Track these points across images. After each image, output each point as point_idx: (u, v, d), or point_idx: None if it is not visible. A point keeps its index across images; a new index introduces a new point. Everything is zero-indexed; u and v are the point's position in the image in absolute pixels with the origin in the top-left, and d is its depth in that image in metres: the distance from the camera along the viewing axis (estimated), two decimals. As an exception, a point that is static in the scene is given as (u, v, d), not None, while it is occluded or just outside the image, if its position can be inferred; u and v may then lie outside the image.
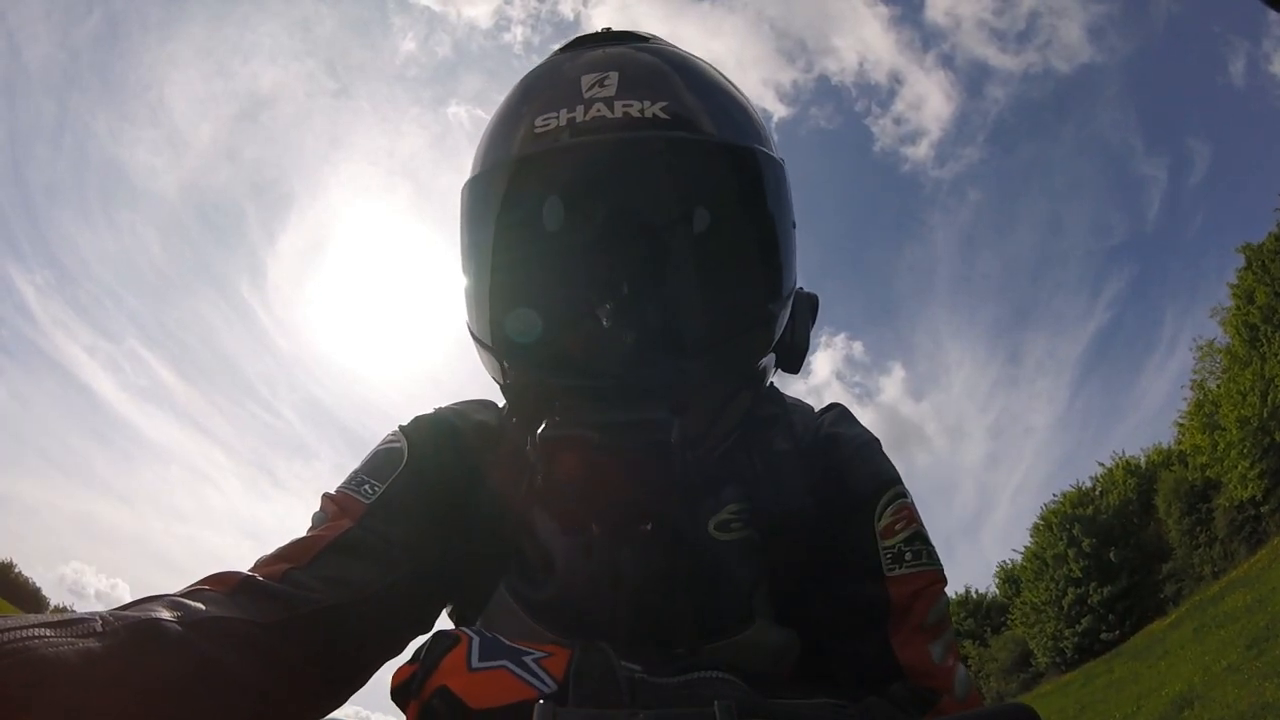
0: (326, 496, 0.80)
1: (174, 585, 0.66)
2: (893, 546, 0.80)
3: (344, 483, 0.81)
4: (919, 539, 0.82)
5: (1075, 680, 20.24)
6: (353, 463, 0.85)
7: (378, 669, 0.77)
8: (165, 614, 0.58)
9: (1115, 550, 25.66)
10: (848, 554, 0.81)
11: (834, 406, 0.94)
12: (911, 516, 0.83)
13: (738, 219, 0.76)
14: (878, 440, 0.90)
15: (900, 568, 0.79)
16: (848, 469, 0.85)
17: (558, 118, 0.70)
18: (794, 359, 0.82)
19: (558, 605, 0.80)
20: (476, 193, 0.76)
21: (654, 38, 0.82)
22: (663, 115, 0.70)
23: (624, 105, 0.70)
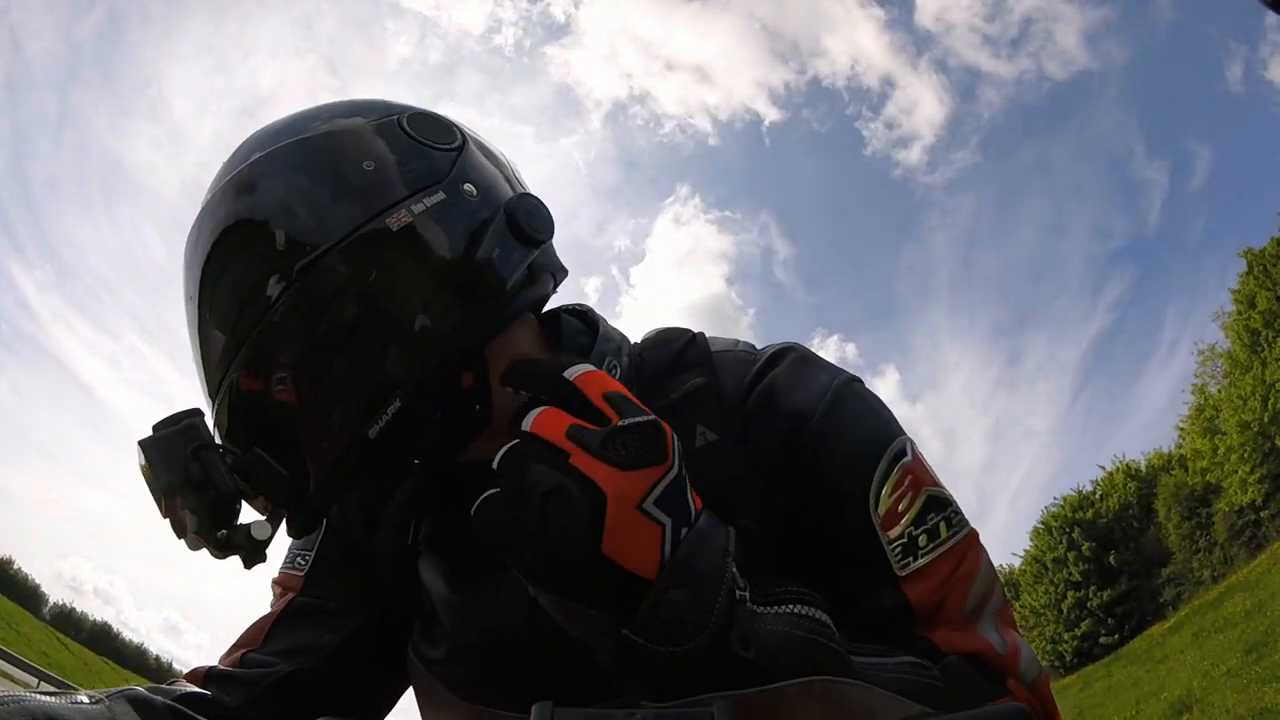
0: (272, 581, 0.86)
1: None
2: (901, 535, 0.65)
3: (282, 563, 0.86)
4: (934, 506, 0.67)
5: (1074, 684, 20.22)
6: None
7: (382, 716, 0.85)
8: (147, 692, 0.67)
9: (1115, 554, 25.63)
10: (847, 562, 0.66)
11: (786, 352, 0.75)
12: (919, 479, 0.68)
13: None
14: (852, 381, 0.73)
15: (916, 559, 0.65)
16: (821, 454, 0.68)
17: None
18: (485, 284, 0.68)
19: (450, 666, 0.74)
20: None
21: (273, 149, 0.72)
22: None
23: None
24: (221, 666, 0.78)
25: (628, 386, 0.64)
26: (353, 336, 0.65)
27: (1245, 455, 20.90)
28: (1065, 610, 25.83)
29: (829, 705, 0.54)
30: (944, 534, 0.66)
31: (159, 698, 0.67)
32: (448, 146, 0.72)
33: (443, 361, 0.66)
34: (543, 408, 0.56)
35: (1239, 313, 22.32)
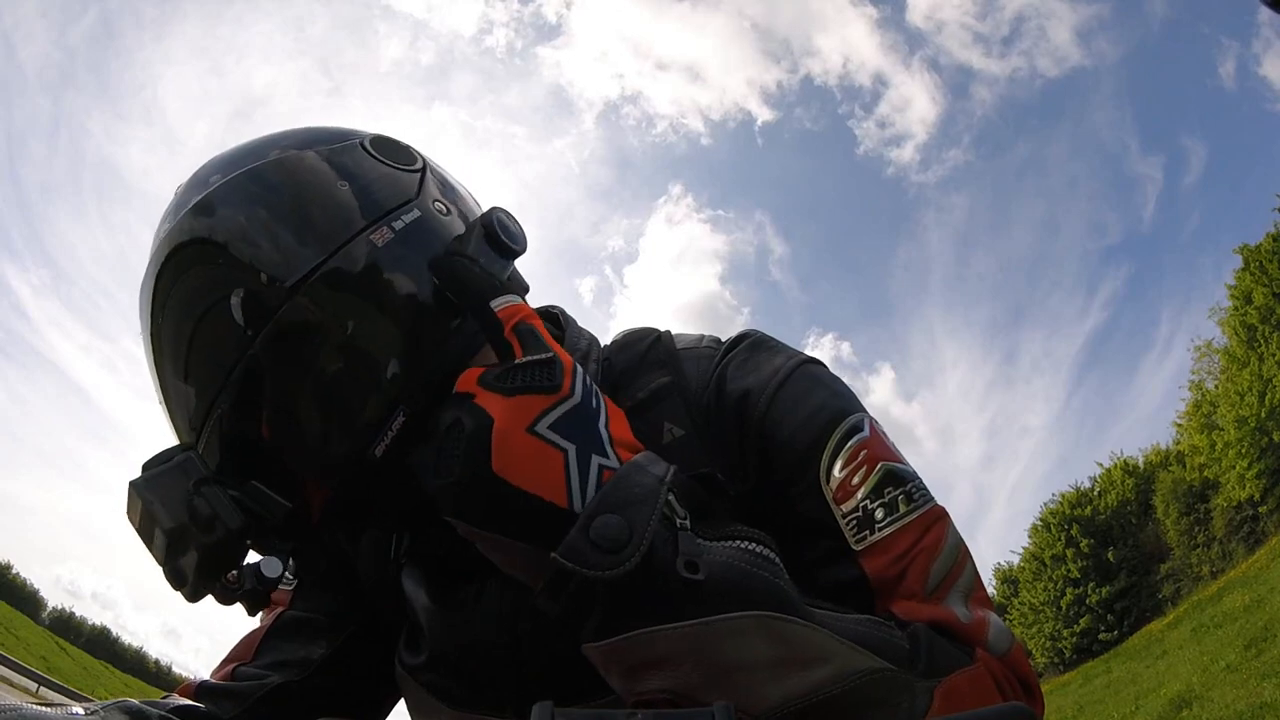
0: None
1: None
2: (856, 509, 0.64)
3: None
4: (891, 480, 0.66)
5: (1074, 680, 20.24)
6: None
7: None
8: (141, 705, 0.66)
9: (1113, 550, 25.66)
10: (805, 538, 0.65)
11: (740, 340, 0.76)
12: (874, 454, 0.66)
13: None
14: (807, 362, 0.73)
15: (873, 533, 0.64)
16: (768, 431, 0.68)
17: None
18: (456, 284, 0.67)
19: (434, 674, 0.74)
20: None
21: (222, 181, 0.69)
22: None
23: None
24: (213, 680, 0.78)
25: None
26: (348, 360, 0.63)
27: (1243, 451, 20.93)
28: (1064, 607, 25.85)
29: (775, 642, 0.52)
30: (903, 509, 0.65)
31: (153, 710, 0.68)
32: (411, 168, 0.72)
33: (438, 373, 0.64)
34: (468, 369, 0.60)
35: (1235, 309, 22.36)
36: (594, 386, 0.59)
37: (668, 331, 0.79)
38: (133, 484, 0.59)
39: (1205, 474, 23.09)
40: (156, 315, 0.67)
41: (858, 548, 0.64)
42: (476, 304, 0.63)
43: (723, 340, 0.78)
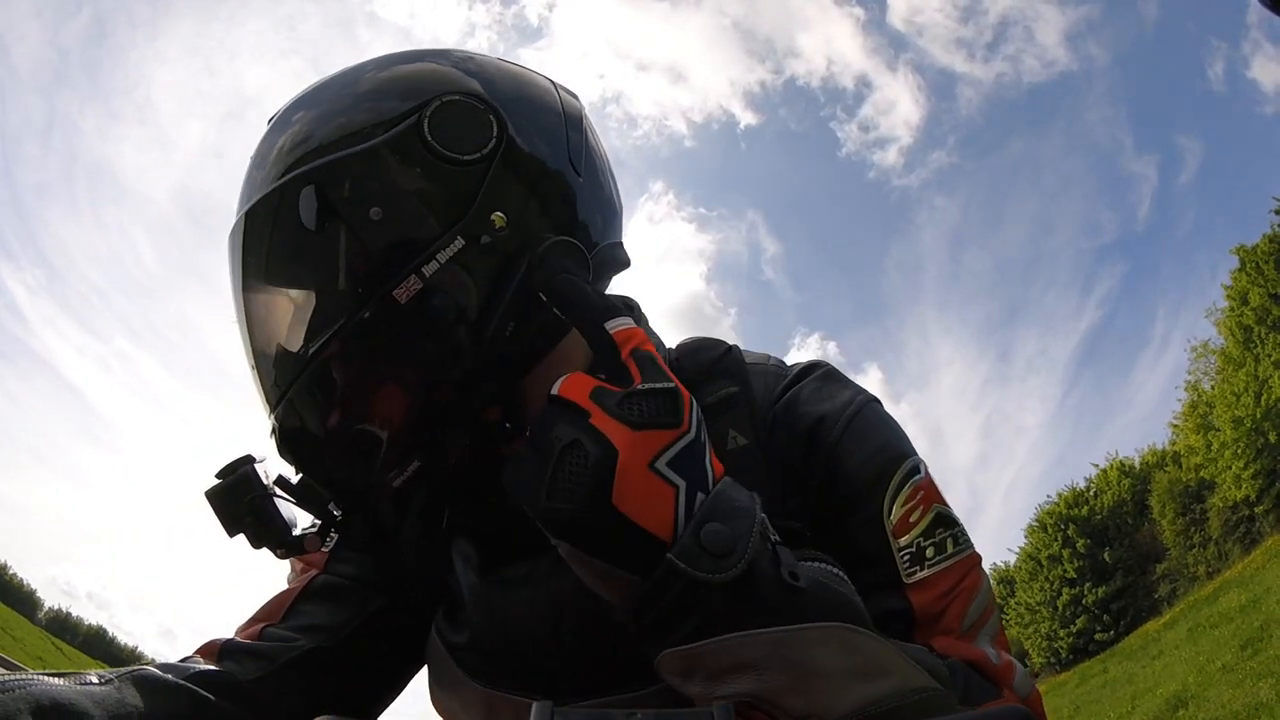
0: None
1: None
2: (910, 545, 0.68)
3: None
4: (942, 523, 0.70)
5: (1070, 680, 20.27)
6: None
7: (384, 707, 0.83)
8: (159, 671, 0.65)
9: (1110, 551, 25.72)
10: (855, 565, 0.66)
11: (813, 368, 0.80)
12: (929, 496, 0.71)
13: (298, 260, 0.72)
14: (873, 401, 0.77)
15: (923, 569, 0.68)
16: (838, 458, 0.72)
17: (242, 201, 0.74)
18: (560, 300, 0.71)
19: (474, 652, 0.74)
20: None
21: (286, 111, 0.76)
22: (271, 186, 0.70)
23: (248, 188, 0.73)
24: (239, 639, 0.76)
25: None
26: (430, 335, 0.67)
27: (1239, 451, 20.98)
28: (1061, 607, 25.91)
29: (851, 653, 0.55)
30: (950, 550, 0.69)
31: (171, 676, 0.66)
32: (477, 155, 0.68)
33: (504, 363, 0.71)
34: (570, 374, 0.59)
35: (1232, 309, 22.40)
36: (702, 418, 0.60)
37: (736, 346, 0.83)
38: (206, 494, 0.67)
39: (1201, 474, 23.12)
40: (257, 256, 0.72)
41: (908, 581, 0.67)
42: (590, 325, 0.63)
43: (787, 363, 0.83)
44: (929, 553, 0.68)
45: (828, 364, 0.81)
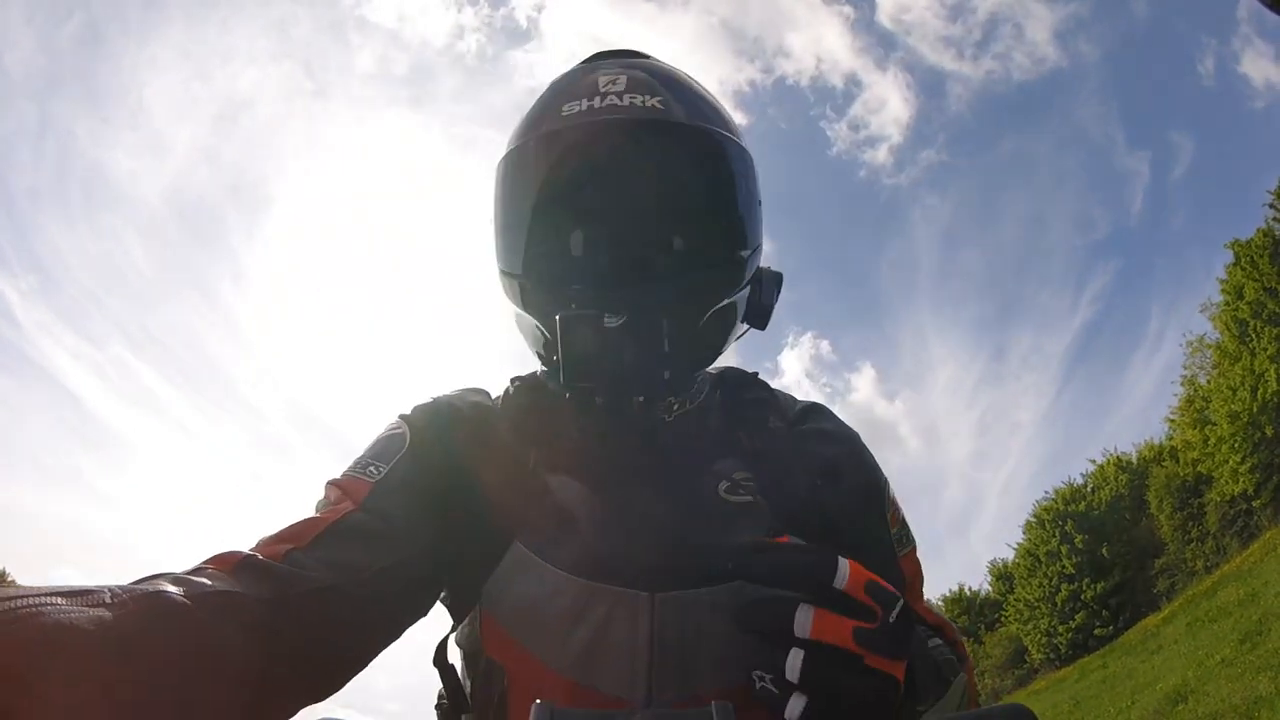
0: (330, 483, 0.84)
1: None
2: (896, 533, 0.95)
3: (349, 468, 0.86)
4: (903, 524, 0.99)
5: (1070, 676, 20.34)
6: (338, 464, 0.88)
7: (375, 655, 0.80)
8: (171, 588, 0.60)
9: (1108, 546, 25.82)
10: (867, 540, 0.90)
11: (814, 404, 1.04)
12: (895, 502, 0.99)
13: (712, 186, 0.90)
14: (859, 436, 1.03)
15: (902, 549, 0.95)
16: (850, 463, 0.97)
17: (580, 105, 0.87)
18: (760, 316, 0.95)
19: (579, 553, 0.81)
20: (513, 160, 0.91)
21: (652, 57, 1.00)
22: (658, 106, 0.87)
23: (630, 98, 0.87)
24: (259, 556, 0.71)
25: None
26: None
27: (1236, 445, 21.08)
28: (1059, 603, 26.00)
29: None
30: (910, 540, 0.99)
31: (182, 599, 0.59)
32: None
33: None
34: (812, 610, 0.62)
35: (1227, 304, 22.51)
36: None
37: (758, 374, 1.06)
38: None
39: (1199, 469, 23.24)
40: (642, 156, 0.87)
41: (900, 555, 0.94)
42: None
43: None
44: (904, 539, 0.97)
45: (823, 404, 1.04)
